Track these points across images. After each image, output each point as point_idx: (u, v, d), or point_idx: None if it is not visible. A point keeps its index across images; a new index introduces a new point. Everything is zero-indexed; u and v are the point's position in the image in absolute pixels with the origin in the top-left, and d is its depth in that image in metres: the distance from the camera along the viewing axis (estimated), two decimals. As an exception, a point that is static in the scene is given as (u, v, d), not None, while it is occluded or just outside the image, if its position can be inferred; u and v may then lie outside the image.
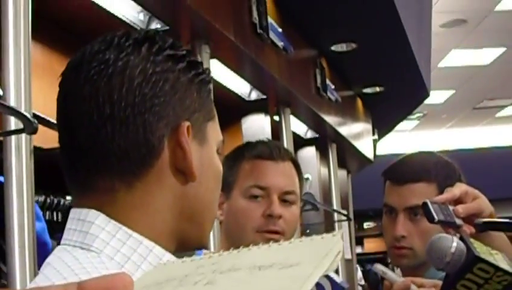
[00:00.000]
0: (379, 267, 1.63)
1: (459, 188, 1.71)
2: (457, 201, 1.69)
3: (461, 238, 1.59)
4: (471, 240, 1.60)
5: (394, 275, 1.65)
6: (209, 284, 0.61)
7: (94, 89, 1.06)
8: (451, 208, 1.67)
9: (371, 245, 15.54)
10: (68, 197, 3.09)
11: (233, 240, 2.06)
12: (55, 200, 3.06)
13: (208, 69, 1.21)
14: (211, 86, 1.21)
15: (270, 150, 2.11)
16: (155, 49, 1.11)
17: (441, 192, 2.09)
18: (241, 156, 2.11)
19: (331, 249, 0.63)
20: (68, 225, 1.11)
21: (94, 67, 1.08)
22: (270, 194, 2.05)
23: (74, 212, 1.10)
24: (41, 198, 2.97)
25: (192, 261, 0.70)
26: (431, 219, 1.62)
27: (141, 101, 1.06)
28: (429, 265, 2.20)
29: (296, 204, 2.11)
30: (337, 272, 4.39)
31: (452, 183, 2.08)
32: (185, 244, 1.16)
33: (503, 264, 1.54)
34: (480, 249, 1.56)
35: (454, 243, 1.57)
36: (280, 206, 2.04)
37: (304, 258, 0.62)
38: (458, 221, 1.64)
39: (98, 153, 1.07)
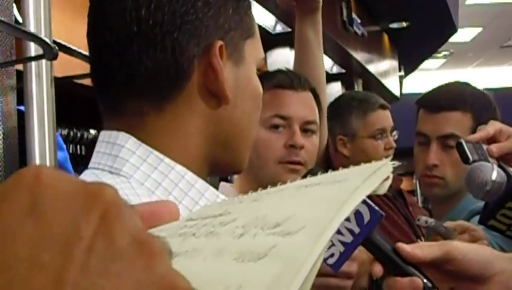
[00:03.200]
0: (423, 219, 1.59)
1: (493, 126, 1.67)
2: (491, 140, 1.64)
3: (500, 167, 1.54)
4: (510, 170, 1.56)
5: (441, 226, 1.61)
6: (255, 201, 0.61)
7: (121, 5, 1.01)
8: (485, 147, 1.62)
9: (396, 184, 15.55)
10: (92, 131, 3.07)
11: (253, 171, 2.01)
12: (79, 134, 3.03)
13: None
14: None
15: (290, 79, 2.05)
16: None
17: (477, 123, 2.04)
18: None
19: (380, 168, 0.63)
20: (97, 148, 1.07)
21: None
22: (291, 124, 2.00)
23: (104, 135, 1.07)
24: (65, 131, 2.95)
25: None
26: (465, 160, 1.58)
27: (171, 18, 1.01)
28: (460, 197, 2.17)
29: (316, 134, 2.06)
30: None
31: (488, 114, 2.03)
32: (219, 169, 1.12)
33: None
34: None
35: (494, 171, 1.53)
36: (302, 137, 1.99)
37: (351, 176, 0.61)
38: (492, 160, 1.60)
39: (125, 74, 1.02)
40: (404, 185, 12.71)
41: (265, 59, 4.36)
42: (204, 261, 0.41)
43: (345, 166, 0.67)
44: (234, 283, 0.42)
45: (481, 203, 2.00)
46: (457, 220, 2.00)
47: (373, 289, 1.58)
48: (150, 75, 1.02)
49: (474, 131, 1.84)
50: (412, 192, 12.50)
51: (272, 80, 2.05)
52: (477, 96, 2.24)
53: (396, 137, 2.86)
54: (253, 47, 1.14)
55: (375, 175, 0.62)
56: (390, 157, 0.72)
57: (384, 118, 2.80)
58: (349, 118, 2.81)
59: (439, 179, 2.18)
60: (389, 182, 0.70)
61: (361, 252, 1.51)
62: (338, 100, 2.95)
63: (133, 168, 1.02)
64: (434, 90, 2.32)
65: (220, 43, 1.04)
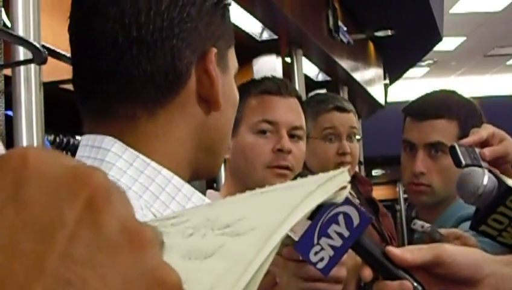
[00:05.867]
0: (419, 223, 1.59)
1: (486, 130, 1.67)
2: (484, 143, 1.64)
3: (490, 172, 1.55)
4: (501, 175, 1.57)
5: (436, 232, 1.61)
6: (209, 205, 0.62)
7: (119, 10, 1.01)
8: (477, 150, 1.62)
9: (379, 192, 15.44)
10: (78, 137, 3.05)
11: (241, 177, 2.02)
12: (65, 140, 3.02)
13: None
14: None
15: (277, 85, 2.08)
16: None
17: (462, 130, 2.05)
18: (247, 92, 2.05)
19: (336, 176, 0.65)
20: (80, 152, 1.06)
21: None
22: (279, 129, 2.01)
23: (87, 139, 1.05)
24: (51, 137, 2.94)
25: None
26: (458, 163, 1.58)
27: (169, 25, 1.02)
28: (447, 204, 2.18)
29: (303, 140, 2.07)
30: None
31: (473, 122, 2.04)
32: (197, 174, 1.12)
33: None
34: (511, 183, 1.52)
35: (485, 176, 1.53)
36: (289, 142, 2.00)
37: (307, 182, 0.63)
38: (484, 164, 1.60)
39: (121, 78, 1.02)
40: (388, 193, 12.77)
41: (251, 65, 4.37)
42: None
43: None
44: None
45: (469, 210, 2.00)
46: (446, 227, 2.01)
47: None
48: (147, 80, 1.02)
49: (460, 138, 1.84)
50: (395, 200, 12.54)
51: (259, 86, 2.07)
52: (463, 104, 2.25)
53: (357, 139, 2.82)
54: (233, 56, 1.15)
55: (330, 182, 0.64)
56: (348, 167, 0.73)
57: (337, 119, 2.75)
58: (305, 118, 2.82)
59: (426, 186, 2.18)
60: (347, 191, 0.71)
61: (348, 258, 1.51)
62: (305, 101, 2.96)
63: (120, 173, 1.01)
64: (420, 98, 2.33)
65: (214, 50, 1.06)
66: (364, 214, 0.92)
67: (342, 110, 2.77)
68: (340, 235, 0.93)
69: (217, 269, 0.44)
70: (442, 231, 1.67)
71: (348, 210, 0.91)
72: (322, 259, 0.95)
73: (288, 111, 2.05)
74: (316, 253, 0.95)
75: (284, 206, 0.53)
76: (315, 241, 0.94)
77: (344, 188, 0.73)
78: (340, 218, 0.92)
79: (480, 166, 1.59)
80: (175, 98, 1.03)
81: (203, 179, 1.20)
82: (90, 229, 0.35)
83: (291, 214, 0.52)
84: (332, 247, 0.94)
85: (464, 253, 1.10)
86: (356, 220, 0.92)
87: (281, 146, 1.98)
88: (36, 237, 0.34)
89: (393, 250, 1.03)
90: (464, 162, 1.57)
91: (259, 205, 0.58)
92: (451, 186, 2.13)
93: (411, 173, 2.20)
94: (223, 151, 1.15)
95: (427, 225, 1.59)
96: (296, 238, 1.38)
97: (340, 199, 0.76)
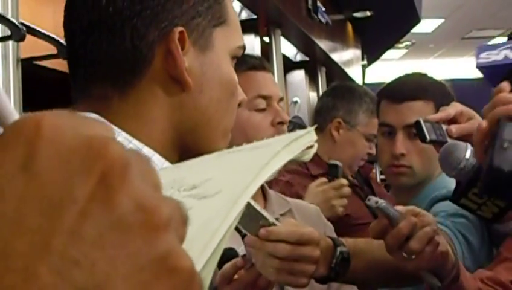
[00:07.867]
0: (373, 199, 1.57)
1: (454, 108, 1.68)
2: (452, 121, 1.66)
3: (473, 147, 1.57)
4: None
5: (391, 208, 1.59)
6: (176, 167, 0.64)
7: None
8: (444, 127, 1.63)
9: (356, 174, 15.59)
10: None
11: None
12: (42, 117, 3.02)
13: None
14: None
15: (259, 61, 2.13)
16: None
17: (438, 111, 2.07)
18: None
19: (302, 136, 0.66)
20: None
21: None
22: (271, 103, 2.05)
23: None
24: (28, 114, 2.93)
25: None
26: (423, 138, 1.60)
27: (130, 5, 1.02)
28: (424, 185, 2.19)
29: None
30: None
31: (448, 103, 2.06)
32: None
33: None
34: None
35: (468, 150, 1.54)
36: None
37: (273, 142, 0.63)
38: (450, 141, 1.61)
39: (89, 61, 1.06)
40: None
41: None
42: None
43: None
44: None
45: (443, 191, 2.03)
46: (421, 208, 2.03)
47: (331, 277, 1.59)
48: (110, 62, 1.04)
49: None
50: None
51: (243, 63, 2.08)
52: (437, 85, 2.28)
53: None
54: (225, 35, 1.12)
55: (296, 142, 0.64)
56: (315, 126, 0.75)
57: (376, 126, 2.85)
58: (358, 109, 2.86)
59: (406, 168, 2.20)
60: (314, 150, 0.72)
61: (321, 240, 1.53)
62: (352, 88, 3.00)
63: None
64: (395, 81, 2.35)
65: (179, 29, 1.04)
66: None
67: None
68: None
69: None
70: (400, 208, 1.64)
71: None
72: None
73: (274, 85, 2.13)
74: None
75: (250, 167, 0.54)
76: None
77: (311, 147, 0.74)
78: None
79: (446, 142, 1.61)
80: (142, 78, 1.04)
81: None
82: (102, 206, 0.33)
83: (257, 176, 0.52)
84: None
85: None
86: None
87: (282, 119, 2.04)
88: (44, 212, 0.32)
89: None
90: (428, 138, 1.59)
91: (226, 166, 0.58)
92: (430, 166, 2.16)
93: (390, 155, 2.21)
94: (217, 135, 1.12)
95: (381, 200, 1.56)
96: (271, 220, 1.39)
97: (307, 157, 0.74)
